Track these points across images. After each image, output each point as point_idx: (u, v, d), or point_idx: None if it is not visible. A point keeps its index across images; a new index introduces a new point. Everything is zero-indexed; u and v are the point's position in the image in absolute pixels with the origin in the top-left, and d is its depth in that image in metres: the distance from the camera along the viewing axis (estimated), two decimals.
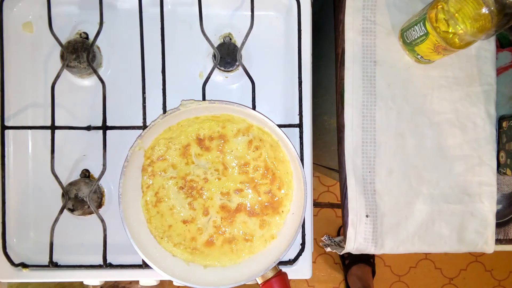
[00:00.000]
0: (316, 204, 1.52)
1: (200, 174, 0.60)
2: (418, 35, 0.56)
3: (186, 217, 0.60)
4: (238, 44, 0.62)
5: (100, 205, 0.63)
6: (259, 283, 0.57)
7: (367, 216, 0.61)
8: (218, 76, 0.64)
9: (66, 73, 0.61)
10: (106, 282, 0.92)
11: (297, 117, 0.62)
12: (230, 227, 0.60)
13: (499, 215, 0.64)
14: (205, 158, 0.60)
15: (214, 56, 0.62)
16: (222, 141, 0.60)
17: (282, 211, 0.60)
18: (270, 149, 0.59)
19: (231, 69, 0.62)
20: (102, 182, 0.63)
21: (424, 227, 0.62)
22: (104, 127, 0.60)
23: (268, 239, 0.60)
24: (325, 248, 0.67)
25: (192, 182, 0.60)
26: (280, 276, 0.57)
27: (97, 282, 0.64)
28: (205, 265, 0.59)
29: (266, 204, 0.60)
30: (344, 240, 0.62)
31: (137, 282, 0.72)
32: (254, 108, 0.60)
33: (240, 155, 0.60)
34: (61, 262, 0.62)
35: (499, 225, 0.64)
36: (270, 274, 0.57)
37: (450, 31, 0.51)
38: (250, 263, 0.59)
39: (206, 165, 0.60)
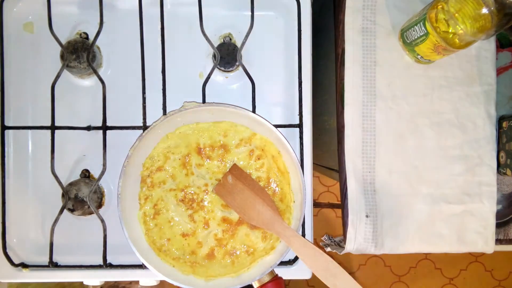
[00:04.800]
0: (316, 204, 1.52)
1: (201, 186, 0.59)
2: (418, 35, 0.56)
3: (185, 230, 0.59)
4: (238, 44, 0.62)
5: (100, 205, 0.63)
6: (255, 287, 0.57)
7: (367, 216, 0.61)
8: (218, 76, 0.64)
9: (66, 73, 0.61)
10: (106, 282, 0.92)
11: (297, 117, 0.62)
12: (232, 240, 0.59)
13: (499, 215, 0.63)
14: (205, 168, 0.59)
15: (214, 56, 0.62)
16: (223, 150, 0.59)
17: None
18: (272, 160, 0.59)
19: (231, 69, 0.62)
20: (102, 182, 0.63)
21: (424, 227, 0.62)
22: (104, 127, 0.60)
23: (268, 251, 0.59)
24: (325, 248, 0.67)
25: (193, 194, 0.59)
26: (277, 280, 0.57)
27: (97, 282, 0.64)
28: (206, 278, 0.58)
29: None
30: (344, 240, 0.62)
31: (137, 282, 0.72)
32: (254, 108, 0.60)
33: (242, 165, 0.59)
34: (61, 262, 0.62)
35: (499, 225, 0.64)
36: (267, 279, 0.56)
37: (450, 31, 0.51)
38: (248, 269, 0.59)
39: (206, 176, 0.59)
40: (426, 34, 0.54)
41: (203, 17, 0.59)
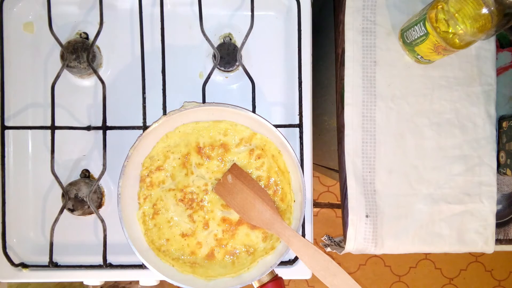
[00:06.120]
0: (316, 204, 1.52)
1: (201, 185, 0.59)
2: (418, 35, 0.56)
3: (185, 231, 0.59)
4: (238, 44, 0.62)
5: (100, 205, 0.63)
6: (255, 287, 0.57)
7: (367, 216, 0.61)
8: (218, 76, 0.64)
9: (66, 73, 0.61)
10: (106, 282, 0.92)
11: (297, 117, 0.62)
12: (232, 240, 0.59)
13: (499, 215, 0.63)
14: (205, 167, 0.59)
15: (214, 56, 0.62)
16: (223, 150, 0.59)
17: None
18: (272, 159, 0.59)
19: (231, 69, 0.62)
20: (102, 182, 0.63)
21: (424, 227, 0.62)
22: (104, 127, 0.60)
23: (268, 251, 0.59)
24: (325, 248, 0.67)
25: (192, 194, 0.59)
26: (277, 280, 0.57)
27: (97, 282, 0.64)
28: (206, 278, 0.58)
29: None
30: (344, 240, 0.62)
31: (137, 282, 0.72)
32: (254, 108, 0.60)
33: (242, 164, 0.59)
34: (61, 262, 0.62)
35: (499, 225, 0.64)
36: (266, 279, 0.57)
37: (450, 31, 0.51)
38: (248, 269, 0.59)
39: (206, 175, 0.59)
40: (426, 34, 0.54)
41: (203, 17, 0.59)
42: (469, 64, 0.62)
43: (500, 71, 0.64)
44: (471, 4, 0.48)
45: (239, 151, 0.59)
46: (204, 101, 0.59)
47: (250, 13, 0.59)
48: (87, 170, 0.64)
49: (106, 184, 0.64)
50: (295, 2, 0.61)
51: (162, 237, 0.59)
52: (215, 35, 0.63)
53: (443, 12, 0.51)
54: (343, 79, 0.62)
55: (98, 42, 0.61)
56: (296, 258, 0.62)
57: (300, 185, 0.56)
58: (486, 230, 0.62)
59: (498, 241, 0.64)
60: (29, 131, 0.63)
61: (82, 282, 0.64)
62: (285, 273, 0.60)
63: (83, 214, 0.62)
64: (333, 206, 1.58)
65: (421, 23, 0.54)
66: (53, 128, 0.60)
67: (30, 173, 0.64)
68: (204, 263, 0.59)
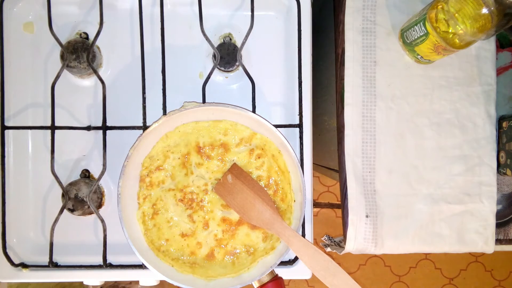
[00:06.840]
0: (316, 204, 1.52)
1: (200, 185, 0.59)
2: (418, 35, 0.56)
3: (185, 231, 0.59)
4: (238, 44, 0.62)
5: (100, 205, 0.63)
6: (255, 287, 0.57)
7: (367, 216, 0.61)
8: (218, 76, 0.64)
9: (66, 73, 0.61)
10: (106, 282, 0.92)
11: (297, 117, 0.62)
12: (232, 240, 0.59)
13: (499, 215, 0.63)
14: (205, 167, 0.59)
15: (214, 56, 0.62)
16: (223, 149, 0.59)
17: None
18: (272, 159, 0.59)
19: (231, 69, 0.62)
20: (102, 182, 0.63)
21: (424, 227, 0.62)
22: (104, 127, 0.60)
23: (269, 251, 0.59)
24: (325, 248, 0.67)
25: (192, 194, 0.59)
26: (277, 280, 0.57)
27: (97, 282, 0.64)
28: (206, 278, 0.57)
29: None
30: (344, 240, 0.62)
31: (137, 282, 0.72)
32: (254, 108, 0.60)
33: (242, 164, 0.59)
34: (61, 262, 0.63)
35: (499, 225, 0.64)
36: (266, 279, 0.57)
37: (450, 31, 0.51)
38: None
39: (206, 175, 0.59)
40: (426, 34, 0.54)
41: (203, 17, 0.59)
42: (469, 64, 0.62)
43: (500, 71, 0.64)
44: (471, 4, 0.48)
45: (239, 151, 0.59)
46: (204, 101, 0.59)
47: (250, 13, 0.59)
48: (87, 170, 0.64)
49: (106, 184, 0.64)
50: (295, 2, 0.61)
51: (161, 237, 0.59)
52: (215, 35, 0.63)
53: (443, 12, 0.51)
54: (343, 79, 0.62)
55: (98, 42, 0.61)
56: (296, 258, 0.62)
57: (300, 185, 0.56)
58: (486, 230, 0.62)
59: (498, 241, 0.64)
60: (29, 131, 0.63)
61: (82, 282, 0.64)
62: (285, 273, 0.61)
63: (83, 214, 0.62)
64: (333, 206, 1.58)
65: (421, 23, 0.54)
66: (53, 128, 0.60)
67: (30, 173, 0.64)
68: (204, 263, 0.59)
